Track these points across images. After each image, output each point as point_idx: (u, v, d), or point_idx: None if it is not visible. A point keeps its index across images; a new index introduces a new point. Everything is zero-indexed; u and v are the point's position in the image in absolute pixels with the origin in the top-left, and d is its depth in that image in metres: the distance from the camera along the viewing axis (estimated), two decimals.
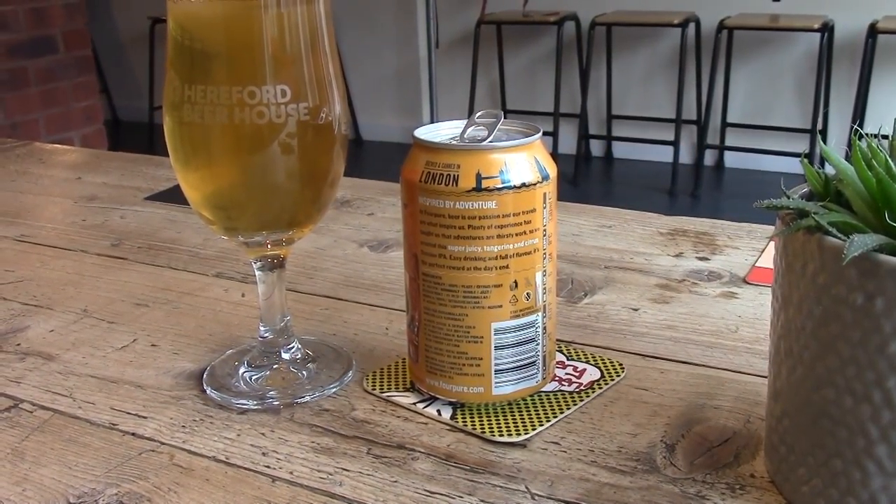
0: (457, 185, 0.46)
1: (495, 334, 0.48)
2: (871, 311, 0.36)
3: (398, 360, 0.57)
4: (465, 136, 0.49)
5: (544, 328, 0.50)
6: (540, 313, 0.49)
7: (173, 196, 0.93)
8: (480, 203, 0.46)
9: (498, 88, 4.55)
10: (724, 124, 4.08)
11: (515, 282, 0.48)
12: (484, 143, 0.47)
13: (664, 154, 4.01)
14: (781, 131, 3.98)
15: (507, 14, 4.26)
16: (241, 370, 0.55)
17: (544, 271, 0.49)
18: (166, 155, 0.54)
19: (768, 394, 0.44)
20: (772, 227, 0.76)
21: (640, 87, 4.29)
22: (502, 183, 0.46)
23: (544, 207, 0.48)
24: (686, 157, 4.11)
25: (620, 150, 4.40)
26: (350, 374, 0.55)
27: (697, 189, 3.91)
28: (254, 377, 0.55)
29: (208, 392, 0.54)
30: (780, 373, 0.42)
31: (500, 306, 0.48)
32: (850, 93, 3.72)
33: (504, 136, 0.50)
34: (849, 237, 0.36)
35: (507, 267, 0.47)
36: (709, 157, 4.15)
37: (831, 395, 0.38)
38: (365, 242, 0.79)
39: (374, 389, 0.53)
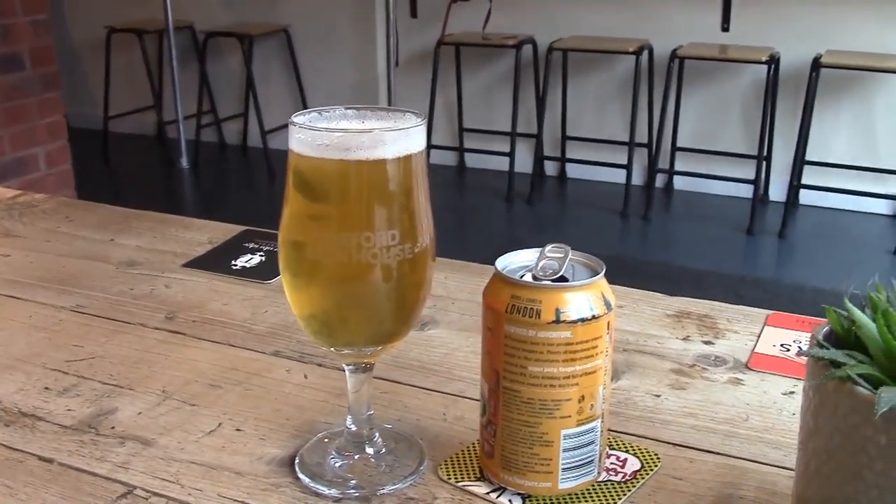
0: (539, 317, 0.55)
1: (564, 439, 0.57)
2: (892, 450, 0.45)
3: (463, 448, 0.65)
4: (539, 268, 0.58)
5: (601, 431, 0.59)
6: (599, 420, 0.58)
7: (209, 263, 1.00)
8: (558, 333, 0.55)
9: (455, 108, 4.65)
10: (675, 149, 4.24)
11: (582, 396, 0.57)
12: (562, 283, 0.56)
13: (617, 176, 4.14)
14: (728, 156, 4.15)
15: (466, 36, 4.36)
16: (329, 458, 0.63)
17: (604, 385, 0.58)
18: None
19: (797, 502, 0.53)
20: (763, 312, 0.86)
21: (594, 111, 4.43)
22: (576, 316, 0.55)
23: (607, 334, 0.57)
24: (637, 179, 4.25)
25: (574, 171, 4.53)
26: (425, 463, 0.63)
27: (648, 211, 4.05)
28: (340, 465, 0.63)
29: (303, 480, 0.62)
30: (809, 485, 0.51)
31: (569, 416, 0.57)
32: (795, 122, 3.90)
33: (571, 267, 0.59)
34: (877, 389, 0.45)
35: (576, 384, 0.56)
36: (659, 180, 4.31)
37: None
38: None
39: (450, 479, 0.62)
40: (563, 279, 0.57)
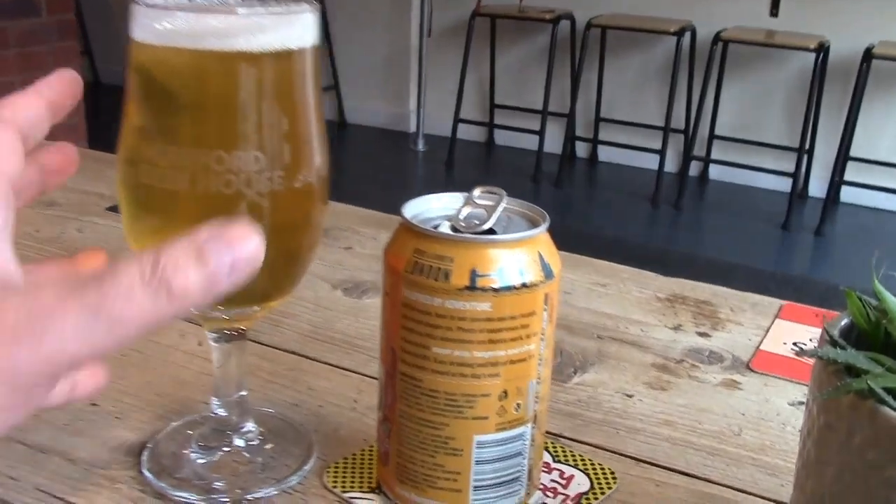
0: (448, 280, 0.40)
1: (477, 448, 0.43)
2: None
3: (365, 448, 0.51)
4: (461, 217, 0.43)
5: (532, 440, 0.44)
6: (529, 424, 0.44)
7: None
8: (473, 304, 0.40)
9: (487, 82, 4.48)
10: (712, 136, 4.03)
11: (505, 391, 0.42)
12: (482, 236, 0.41)
13: (650, 161, 3.96)
14: (768, 147, 3.95)
15: (502, 8, 4.19)
16: (187, 451, 0.49)
17: (538, 379, 0.43)
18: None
19: None
20: (776, 302, 0.70)
21: (630, 93, 4.24)
22: (500, 282, 0.40)
23: (545, 310, 0.42)
24: (671, 165, 4.06)
25: (606, 154, 4.35)
26: (310, 463, 0.49)
27: (680, 199, 3.86)
28: (200, 461, 0.49)
29: (147, 476, 0.47)
30: None
31: (486, 418, 0.42)
32: (841, 115, 3.69)
33: (505, 219, 0.44)
34: None
35: (497, 375, 0.42)
36: (694, 168, 4.11)
37: None
38: (339, 284, 0.73)
39: (336, 487, 0.47)
40: (490, 233, 0.43)
